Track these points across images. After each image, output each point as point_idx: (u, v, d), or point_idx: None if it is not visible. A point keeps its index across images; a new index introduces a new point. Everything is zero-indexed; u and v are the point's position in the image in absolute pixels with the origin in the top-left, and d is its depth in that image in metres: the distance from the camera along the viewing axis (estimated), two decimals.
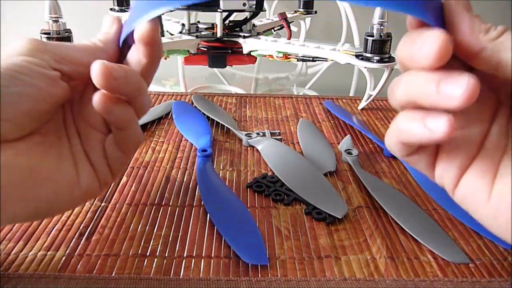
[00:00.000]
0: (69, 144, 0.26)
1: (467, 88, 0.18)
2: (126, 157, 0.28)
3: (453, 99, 0.18)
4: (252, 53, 0.57)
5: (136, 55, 0.26)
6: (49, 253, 0.27)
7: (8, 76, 0.22)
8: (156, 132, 0.45)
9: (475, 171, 0.22)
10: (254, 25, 0.64)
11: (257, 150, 0.41)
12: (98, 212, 0.32)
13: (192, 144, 0.42)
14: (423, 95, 0.20)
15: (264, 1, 0.61)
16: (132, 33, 0.25)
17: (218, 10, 0.57)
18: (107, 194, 0.34)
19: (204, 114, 0.48)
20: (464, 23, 0.20)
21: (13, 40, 0.24)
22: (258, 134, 0.43)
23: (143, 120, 0.46)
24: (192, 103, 0.52)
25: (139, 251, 0.28)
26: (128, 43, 0.27)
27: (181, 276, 0.26)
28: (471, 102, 0.18)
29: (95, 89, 0.25)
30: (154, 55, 0.26)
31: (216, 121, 0.47)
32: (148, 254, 0.28)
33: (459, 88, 0.18)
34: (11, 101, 0.22)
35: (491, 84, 0.22)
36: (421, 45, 0.19)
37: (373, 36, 0.48)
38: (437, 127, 0.19)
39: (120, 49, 0.27)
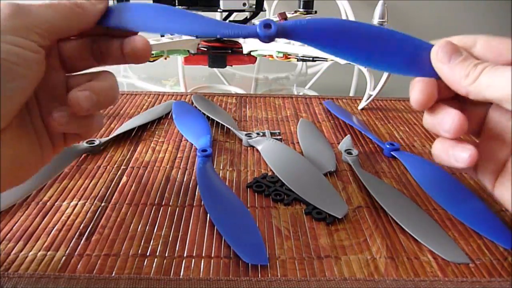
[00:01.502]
0: (29, 116, 0.25)
1: (471, 154, 0.24)
2: (84, 138, 0.28)
3: (461, 161, 0.25)
4: (252, 53, 0.57)
5: (120, 53, 0.26)
6: (49, 253, 0.27)
7: (5, 69, 0.20)
8: (156, 132, 0.45)
9: (505, 174, 0.26)
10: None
11: (257, 150, 0.41)
12: (98, 212, 0.32)
13: (192, 144, 0.42)
14: (443, 154, 0.26)
15: (264, 1, 0.61)
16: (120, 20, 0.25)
17: (218, 10, 0.57)
18: (107, 194, 0.34)
19: (204, 114, 0.48)
20: (445, 75, 0.24)
21: None
22: (258, 134, 0.43)
23: (143, 120, 0.46)
24: (192, 103, 0.52)
25: (139, 251, 0.28)
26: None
27: (181, 276, 0.26)
28: (473, 164, 0.24)
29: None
30: (140, 62, 0.27)
31: (216, 121, 0.47)
32: (148, 254, 0.28)
33: (465, 153, 0.25)
34: (5, 96, 0.20)
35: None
36: (441, 122, 0.25)
37: None
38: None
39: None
